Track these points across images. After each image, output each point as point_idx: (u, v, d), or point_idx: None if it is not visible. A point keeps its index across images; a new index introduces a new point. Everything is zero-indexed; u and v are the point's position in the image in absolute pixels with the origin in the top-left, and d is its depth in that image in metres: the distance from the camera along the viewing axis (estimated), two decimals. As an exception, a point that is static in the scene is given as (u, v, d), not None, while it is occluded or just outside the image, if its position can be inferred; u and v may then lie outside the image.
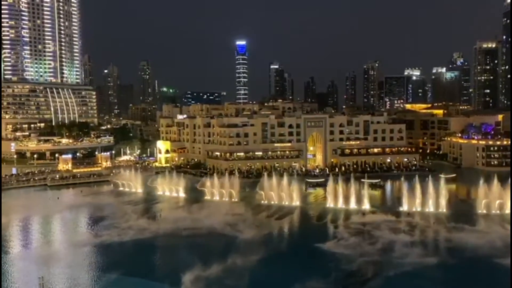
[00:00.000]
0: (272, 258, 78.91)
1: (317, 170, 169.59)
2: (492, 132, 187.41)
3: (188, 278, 68.11)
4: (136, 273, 73.12)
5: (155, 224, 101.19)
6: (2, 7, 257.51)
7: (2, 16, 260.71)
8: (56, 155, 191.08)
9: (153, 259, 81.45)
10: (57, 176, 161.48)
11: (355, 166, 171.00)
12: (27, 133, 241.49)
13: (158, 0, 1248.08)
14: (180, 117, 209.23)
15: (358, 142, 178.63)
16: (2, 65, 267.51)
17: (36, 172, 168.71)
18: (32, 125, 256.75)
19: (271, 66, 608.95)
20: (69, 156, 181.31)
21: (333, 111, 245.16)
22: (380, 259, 77.30)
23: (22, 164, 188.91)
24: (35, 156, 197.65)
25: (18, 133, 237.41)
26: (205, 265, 72.01)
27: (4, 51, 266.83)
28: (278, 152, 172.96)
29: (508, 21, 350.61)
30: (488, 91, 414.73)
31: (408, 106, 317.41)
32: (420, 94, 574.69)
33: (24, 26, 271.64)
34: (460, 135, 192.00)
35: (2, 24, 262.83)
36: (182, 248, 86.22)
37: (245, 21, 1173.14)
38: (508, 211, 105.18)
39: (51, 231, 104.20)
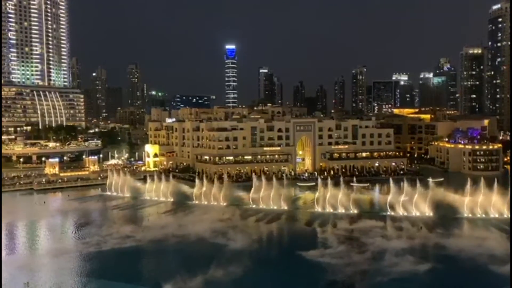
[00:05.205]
0: (258, 268, 77.28)
1: (306, 174, 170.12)
2: (478, 137, 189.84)
3: None
4: (120, 281, 71.91)
5: (142, 231, 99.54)
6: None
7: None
8: (43, 158, 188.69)
9: (138, 267, 79.53)
10: (44, 180, 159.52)
11: (343, 170, 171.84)
12: (13, 137, 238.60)
13: (147, 3, 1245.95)
14: (169, 120, 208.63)
15: (346, 146, 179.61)
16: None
17: (22, 176, 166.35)
18: (18, 129, 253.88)
19: (261, 70, 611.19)
20: (56, 159, 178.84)
21: (322, 116, 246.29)
22: (368, 266, 77.08)
23: (8, 168, 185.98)
24: (21, 159, 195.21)
25: (4, 137, 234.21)
26: (189, 275, 70.45)
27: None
28: (267, 156, 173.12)
29: (494, 27, 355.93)
30: (474, 96, 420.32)
31: (396, 110, 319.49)
32: (407, 99, 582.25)
33: (11, 28, 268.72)
34: (447, 139, 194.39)
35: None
36: (168, 255, 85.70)
37: (234, 25, 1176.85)
38: (492, 215, 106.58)
39: (37, 236, 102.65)
